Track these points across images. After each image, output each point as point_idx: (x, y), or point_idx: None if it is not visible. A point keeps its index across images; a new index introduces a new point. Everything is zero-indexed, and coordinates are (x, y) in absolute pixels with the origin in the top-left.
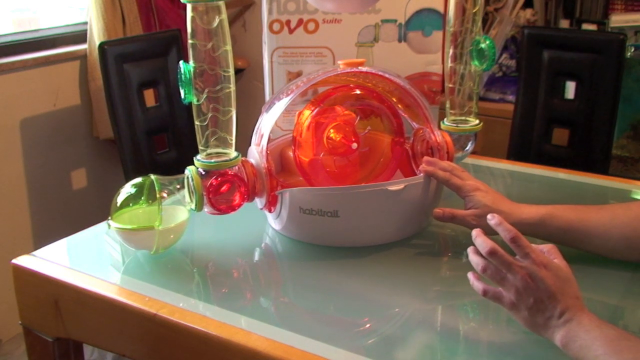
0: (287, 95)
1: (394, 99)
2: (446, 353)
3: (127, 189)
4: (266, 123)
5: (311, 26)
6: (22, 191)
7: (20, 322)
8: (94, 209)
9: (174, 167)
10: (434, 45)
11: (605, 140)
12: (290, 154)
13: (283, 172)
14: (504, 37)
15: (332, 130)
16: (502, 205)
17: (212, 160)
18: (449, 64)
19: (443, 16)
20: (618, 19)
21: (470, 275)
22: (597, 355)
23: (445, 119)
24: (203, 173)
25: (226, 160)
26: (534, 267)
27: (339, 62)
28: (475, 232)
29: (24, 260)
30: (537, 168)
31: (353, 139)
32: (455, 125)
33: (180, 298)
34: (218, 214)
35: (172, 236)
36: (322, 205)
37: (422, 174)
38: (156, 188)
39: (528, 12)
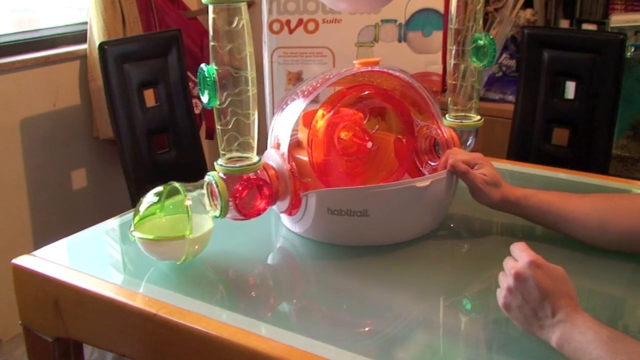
0: (301, 96)
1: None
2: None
3: (150, 198)
4: (283, 125)
5: (311, 26)
6: (22, 191)
7: (20, 322)
8: (94, 209)
9: (174, 167)
10: (434, 45)
11: (605, 140)
12: (296, 155)
13: None
14: (504, 37)
15: (343, 131)
16: (501, 180)
17: (237, 165)
18: (452, 61)
19: (444, 15)
20: (618, 19)
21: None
22: (592, 359)
23: (447, 115)
24: (224, 177)
25: (250, 165)
26: (525, 265)
27: (355, 61)
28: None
29: (24, 260)
30: (537, 168)
31: (367, 138)
32: (458, 121)
33: (180, 298)
34: (243, 219)
35: (198, 246)
36: (352, 205)
37: (445, 170)
38: (183, 194)
39: (528, 12)
